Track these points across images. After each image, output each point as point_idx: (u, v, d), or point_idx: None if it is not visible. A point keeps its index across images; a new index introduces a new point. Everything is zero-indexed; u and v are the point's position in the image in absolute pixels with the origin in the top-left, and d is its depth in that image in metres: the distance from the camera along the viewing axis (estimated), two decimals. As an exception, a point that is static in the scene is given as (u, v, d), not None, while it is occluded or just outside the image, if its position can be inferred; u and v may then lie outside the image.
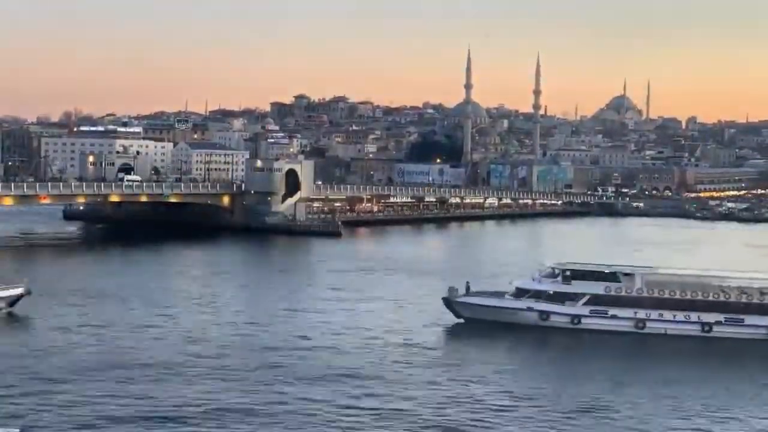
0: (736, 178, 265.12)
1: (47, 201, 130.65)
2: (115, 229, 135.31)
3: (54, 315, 62.62)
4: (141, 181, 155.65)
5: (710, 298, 60.78)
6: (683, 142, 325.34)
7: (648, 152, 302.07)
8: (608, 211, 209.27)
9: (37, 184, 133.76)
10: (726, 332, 59.96)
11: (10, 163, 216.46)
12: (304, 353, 53.03)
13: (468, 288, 65.35)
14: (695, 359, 57.18)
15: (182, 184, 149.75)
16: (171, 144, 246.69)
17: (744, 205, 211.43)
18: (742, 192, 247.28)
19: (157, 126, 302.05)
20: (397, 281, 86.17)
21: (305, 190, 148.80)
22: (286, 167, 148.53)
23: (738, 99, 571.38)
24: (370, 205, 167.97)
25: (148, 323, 60.90)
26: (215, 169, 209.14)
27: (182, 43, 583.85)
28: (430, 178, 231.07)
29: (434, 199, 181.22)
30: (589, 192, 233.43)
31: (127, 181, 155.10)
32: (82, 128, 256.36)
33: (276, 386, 45.35)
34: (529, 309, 61.96)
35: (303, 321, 64.12)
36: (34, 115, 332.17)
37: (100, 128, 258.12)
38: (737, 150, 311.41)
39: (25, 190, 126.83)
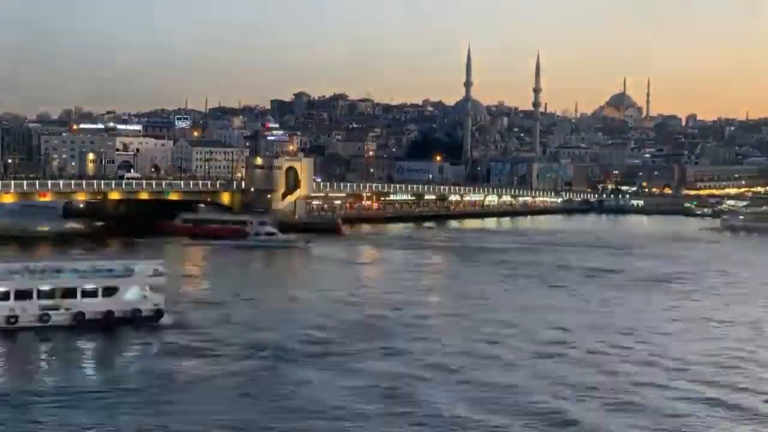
0: (736, 175, 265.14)
1: (47, 198, 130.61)
2: (115, 227, 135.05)
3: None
4: (141, 179, 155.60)
5: None
6: (683, 139, 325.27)
7: (648, 150, 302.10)
8: (608, 208, 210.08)
9: (38, 181, 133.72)
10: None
11: (9, 161, 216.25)
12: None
13: None
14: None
15: (182, 182, 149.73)
16: (171, 141, 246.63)
17: (744, 203, 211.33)
18: (742, 189, 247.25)
19: (157, 123, 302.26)
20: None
21: (305, 188, 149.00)
22: (286, 165, 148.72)
23: (738, 96, 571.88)
24: (370, 202, 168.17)
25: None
26: (215, 167, 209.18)
27: (182, 41, 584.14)
28: (430, 176, 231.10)
29: (434, 197, 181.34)
30: (589, 190, 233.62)
31: (127, 178, 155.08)
32: (82, 126, 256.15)
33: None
34: None
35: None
36: (34, 113, 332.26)
37: (100, 126, 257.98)
38: (737, 147, 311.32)
39: (25, 187, 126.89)
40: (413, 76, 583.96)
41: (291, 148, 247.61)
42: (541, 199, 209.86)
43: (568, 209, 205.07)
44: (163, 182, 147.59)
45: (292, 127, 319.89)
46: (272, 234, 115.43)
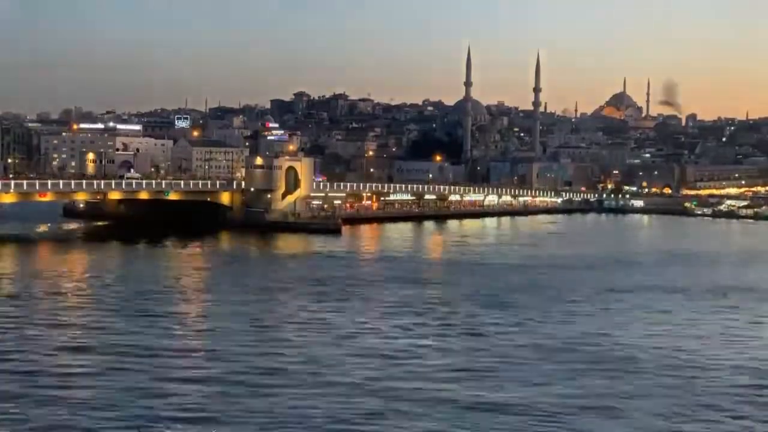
0: (736, 175, 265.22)
1: (47, 198, 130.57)
2: (115, 227, 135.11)
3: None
4: (141, 179, 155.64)
5: None
6: (683, 139, 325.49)
7: (648, 150, 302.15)
8: (608, 208, 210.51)
9: (37, 181, 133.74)
10: None
11: (9, 161, 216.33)
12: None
13: None
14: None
15: (182, 182, 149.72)
16: (171, 141, 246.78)
17: (744, 203, 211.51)
18: (742, 189, 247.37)
19: (157, 123, 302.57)
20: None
21: (305, 188, 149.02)
22: (286, 164, 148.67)
23: (738, 96, 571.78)
24: (370, 202, 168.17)
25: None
26: (215, 167, 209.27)
27: (183, 41, 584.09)
28: (430, 176, 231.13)
29: (434, 197, 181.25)
30: (588, 190, 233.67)
31: (127, 178, 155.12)
32: (82, 125, 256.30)
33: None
34: None
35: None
36: (34, 113, 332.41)
37: (100, 125, 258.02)
38: (737, 147, 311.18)
39: (25, 187, 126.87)
40: (413, 76, 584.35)
41: (291, 147, 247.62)
42: (541, 198, 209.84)
43: (568, 209, 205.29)
44: (163, 182, 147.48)
45: (292, 126, 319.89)
46: None
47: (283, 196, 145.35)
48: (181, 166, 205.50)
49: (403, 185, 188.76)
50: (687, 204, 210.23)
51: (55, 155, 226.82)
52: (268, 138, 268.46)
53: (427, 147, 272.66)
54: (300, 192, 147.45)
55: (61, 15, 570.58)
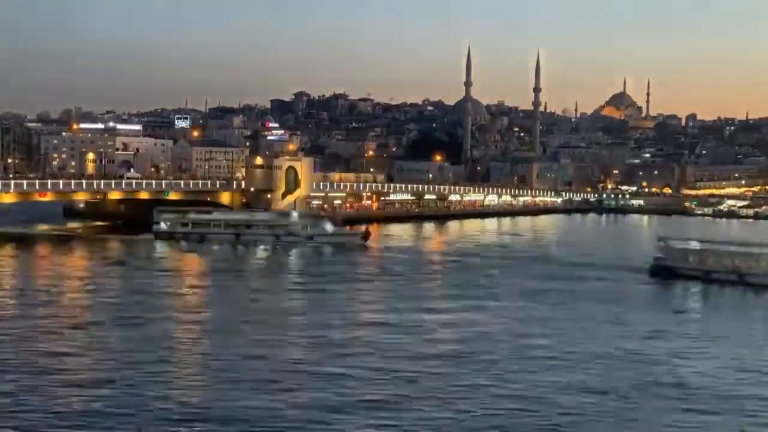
0: (736, 175, 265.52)
1: (47, 198, 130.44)
2: (115, 227, 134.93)
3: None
4: (141, 179, 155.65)
5: None
6: (683, 139, 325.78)
7: (648, 149, 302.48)
8: (608, 208, 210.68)
9: (37, 181, 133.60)
10: None
11: (9, 161, 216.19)
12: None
13: None
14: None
15: (182, 182, 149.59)
16: (171, 141, 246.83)
17: (744, 202, 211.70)
18: (742, 189, 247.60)
19: (157, 123, 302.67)
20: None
21: (305, 188, 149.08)
22: (286, 164, 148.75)
23: (738, 96, 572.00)
24: (370, 202, 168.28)
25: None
26: (215, 167, 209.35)
27: (182, 41, 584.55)
28: (430, 176, 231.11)
29: (434, 197, 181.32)
30: (589, 190, 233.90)
31: (127, 178, 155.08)
32: (82, 125, 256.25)
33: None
34: None
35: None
36: (34, 113, 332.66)
37: (100, 125, 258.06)
38: (737, 147, 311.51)
39: (25, 187, 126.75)
40: (413, 76, 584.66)
41: (291, 147, 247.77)
42: (541, 198, 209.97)
43: (568, 209, 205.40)
44: (163, 182, 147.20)
45: (292, 126, 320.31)
46: None
47: (283, 195, 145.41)
48: (181, 166, 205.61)
49: (403, 185, 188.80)
50: (687, 204, 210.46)
51: (55, 155, 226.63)
52: (268, 138, 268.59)
53: (427, 147, 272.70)
54: (300, 192, 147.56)
55: (61, 15, 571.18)
